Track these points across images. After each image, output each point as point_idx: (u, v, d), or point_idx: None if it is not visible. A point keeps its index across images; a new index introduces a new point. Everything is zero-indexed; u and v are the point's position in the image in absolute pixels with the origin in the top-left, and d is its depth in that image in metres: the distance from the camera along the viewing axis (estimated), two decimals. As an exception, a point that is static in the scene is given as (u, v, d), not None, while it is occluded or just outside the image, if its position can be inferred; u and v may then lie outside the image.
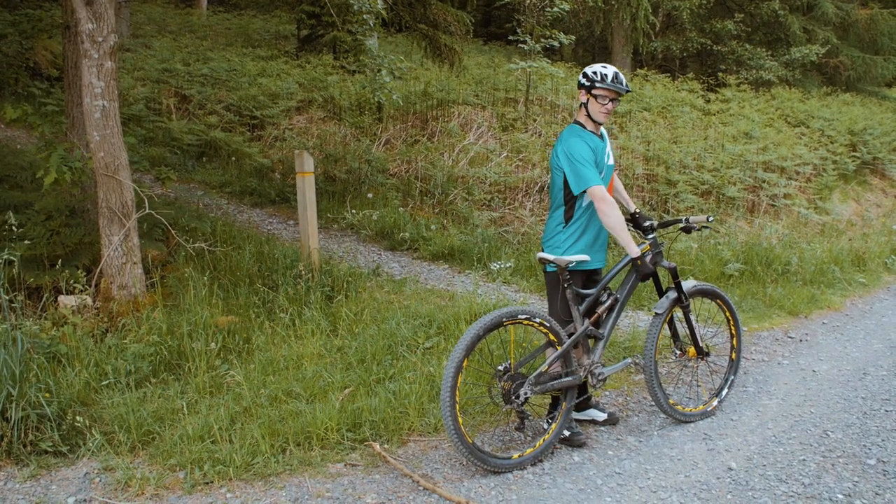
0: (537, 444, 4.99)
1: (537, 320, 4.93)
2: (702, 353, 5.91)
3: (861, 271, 11.05)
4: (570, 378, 5.10)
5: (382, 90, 11.23)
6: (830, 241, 12.06)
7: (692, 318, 5.76)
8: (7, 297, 5.28)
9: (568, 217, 5.23)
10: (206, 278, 6.89)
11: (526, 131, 13.59)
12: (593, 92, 5.11)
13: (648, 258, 5.34)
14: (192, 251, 7.33)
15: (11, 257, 5.50)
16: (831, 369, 7.05)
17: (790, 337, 8.04)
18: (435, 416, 5.41)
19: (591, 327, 5.20)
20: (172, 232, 7.43)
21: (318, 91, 15.09)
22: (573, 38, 15.66)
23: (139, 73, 15.30)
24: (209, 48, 18.14)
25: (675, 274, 5.61)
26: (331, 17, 11.98)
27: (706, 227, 5.77)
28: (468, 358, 4.68)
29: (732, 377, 6.13)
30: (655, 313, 5.58)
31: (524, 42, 13.70)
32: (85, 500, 4.35)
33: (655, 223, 5.56)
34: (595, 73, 5.10)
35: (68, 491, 4.44)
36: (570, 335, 5.12)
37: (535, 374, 4.93)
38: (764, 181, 13.67)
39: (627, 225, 5.50)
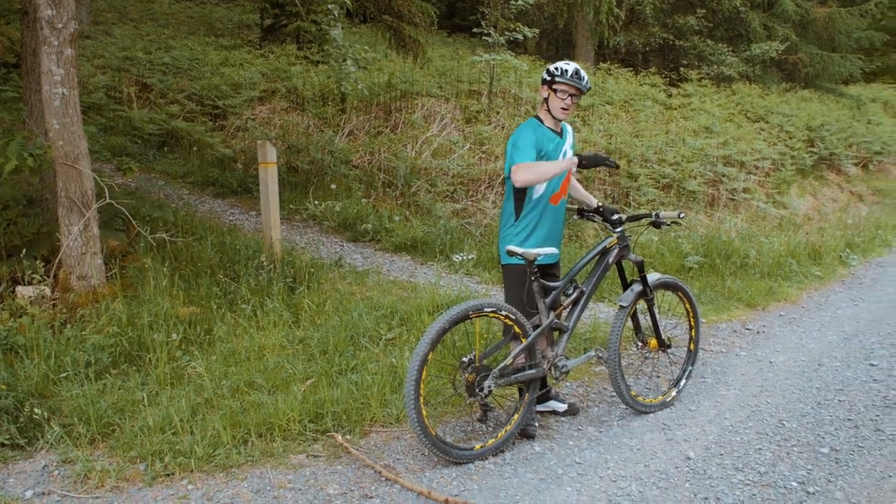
0: (499, 435, 5.01)
1: (503, 313, 4.93)
2: (663, 345, 5.98)
3: (817, 265, 11.23)
4: (533, 370, 5.12)
5: (347, 80, 11.20)
6: (788, 235, 12.23)
7: (656, 310, 5.83)
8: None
9: (518, 210, 5.24)
10: (166, 269, 6.84)
11: (489, 123, 13.63)
12: (553, 86, 5.12)
13: (615, 251, 5.52)
14: (152, 241, 7.27)
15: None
16: (787, 360, 7.17)
17: (748, 329, 8.16)
18: (397, 406, 5.43)
19: (555, 320, 5.23)
20: (133, 222, 7.36)
21: (282, 81, 14.99)
22: (537, 31, 15.71)
23: (99, 60, 15.11)
24: (171, 36, 17.95)
25: (640, 267, 5.65)
26: (295, 6, 11.94)
27: (676, 223, 5.84)
28: (433, 351, 4.68)
29: (690, 368, 6.21)
30: (620, 306, 5.62)
31: (488, 35, 13.72)
32: (43, 493, 4.31)
33: (624, 217, 5.59)
34: (556, 68, 5.11)
35: (26, 484, 4.40)
36: (535, 327, 5.13)
37: (499, 366, 4.95)
38: (724, 175, 13.84)
39: (596, 216, 5.68)
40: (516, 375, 5.05)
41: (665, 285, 5.91)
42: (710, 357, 7.20)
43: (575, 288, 5.36)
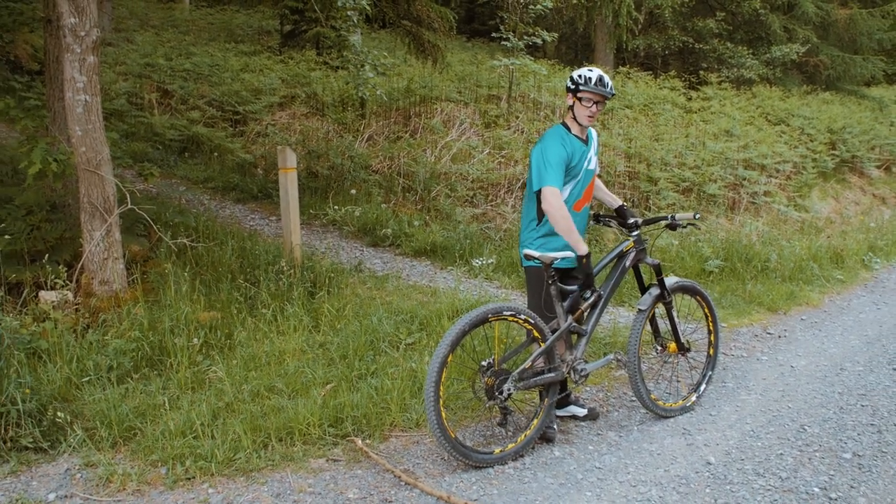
0: (519, 440, 5.01)
1: (522, 316, 4.94)
2: (683, 349, 5.98)
3: (839, 268, 11.15)
4: (552, 374, 5.12)
5: (366, 85, 11.22)
6: (809, 239, 12.15)
7: (674, 314, 5.84)
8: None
9: (540, 215, 5.20)
10: (187, 274, 6.88)
11: (508, 128, 13.62)
12: (578, 95, 5.12)
13: (632, 255, 5.55)
14: (173, 247, 7.32)
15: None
16: (809, 365, 7.12)
17: (769, 333, 8.11)
18: (416, 411, 5.44)
19: (574, 323, 5.23)
20: (154, 227, 7.41)
21: (301, 87, 15.06)
22: (556, 35, 15.70)
23: (121, 67, 15.22)
24: (192, 43, 18.07)
25: (658, 270, 5.64)
26: (314, 12, 11.97)
27: (692, 225, 5.87)
28: (452, 353, 4.69)
29: (710, 373, 6.19)
30: (639, 310, 5.63)
31: (507, 39, 13.72)
32: (66, 497, 4.35)
33: (640, 220, 5.58)
34: (580, 76, 5.11)
35: (49, 487, 4.44)
36: (553, 331, 5.12)
37: (518, 369, 4.96)
38: (744, 179, 13.76)
39: (612, 221, 5.77)
40: (535, 379, 5.05)
41: (683, 289, 5.91)
42: (730, 361, 7.16)
43: (593, 291, 5.31)
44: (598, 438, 5.39)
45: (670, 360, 6.36)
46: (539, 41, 14.10)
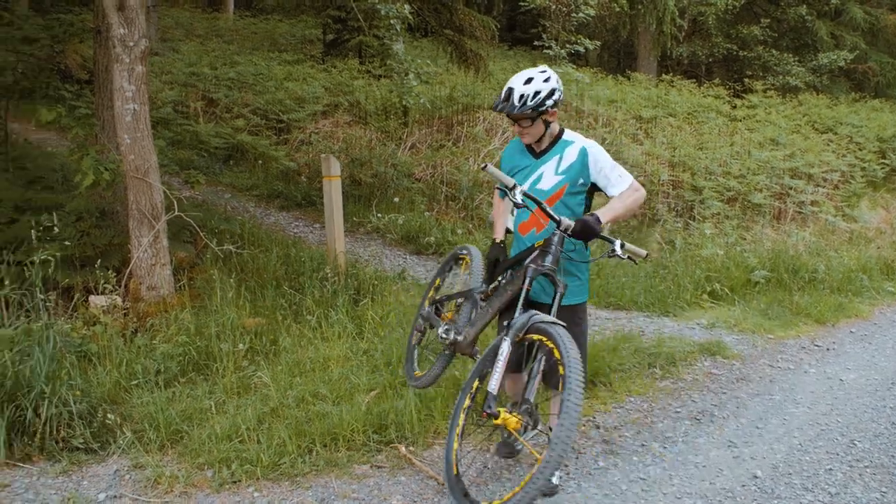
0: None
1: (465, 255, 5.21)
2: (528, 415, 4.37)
3: (890, 280, 10.95)
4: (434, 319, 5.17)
5: (409, 94, 11.27)
6: (858, 249, 11.95)
7: (500, 350, 4.15)
8: (42, 297, 5.35)
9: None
10: (233, 280, 6.94)
11: (551, 136, 13.56)
12: None
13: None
14: (219, 253, 7.38)
15: (49, 257, 5.57)
16: (859, 378, 7.00)
17: (817, 345, 7.99)
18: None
19: (479, 294, 4.76)
20: (201, 234, 7.49)
21: (344, 95, 15.16)
22: (598, 43, 15.67)
23: (167, 76, 15.44)
24: (236, 52, 18.28)
25: (525, 280, 4.30)
26: (357, 21, 12.06)
27: (631, 259, 4.49)
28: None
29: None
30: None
31: (549, 47, 13.71)
32: (116, 497, 4.40)
33: (567, 222, 4.26)
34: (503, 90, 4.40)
35: (99, 487, 4.50)
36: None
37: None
38: (791, 188, 13.60)
39: None
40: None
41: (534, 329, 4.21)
42: (777, 374, 7.05)
43: (502, 279, 4.59)
44: (642, 449, 5.33)
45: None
46: (581, 49, 14.09)
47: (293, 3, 23.72)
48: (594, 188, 4.54)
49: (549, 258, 4.21)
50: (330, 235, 8.02)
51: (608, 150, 12.21)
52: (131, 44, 6.39)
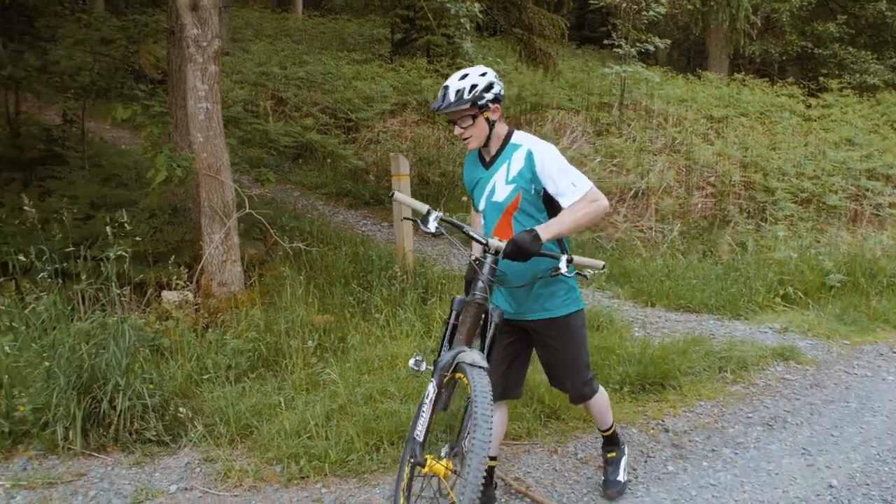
0: None
1: None
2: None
3: (972, 285, 10.59)
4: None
5: (478, 93, 11.23)
6: (941, 253, 11.57)
7: (426, 393, 3.71)
8: (117, 292, 5.45)
9: None
10: (302, 277, 6.98)
11: (620, 136, 13.45)
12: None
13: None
14: (289, 251, 7.45)
15: (124, 253, 5.68)
16: (941, 386, 6.78)
17: (895, 352, 7.76)
18: (527, 420, 5.39)
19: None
20: (271, 231, 7.56)
21: (412, 94, 15.21)
22: (668, 41, 15.47)
23: (237, 76, 15.66)
24: (305, 52, 18.47)
25: (451, 314, 3.85)
26: (425, 21, 12.10)
27: (580, 275, 4.25)
28: None
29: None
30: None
31: (619, 46, 13.58)
32: (186, 489, 4.46)
33: (496, 245, 3.79)
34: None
35: (170, 479, 4.57)
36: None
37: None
38: (868, 189, 13.23)
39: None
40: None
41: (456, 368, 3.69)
42: (854, 381, 6.85)
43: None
44: (713, 455, 5.23)
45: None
46: (651, 48, 13.92)
47: (362, 2, 23.86)
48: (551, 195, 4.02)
49: (479, 286, 3.71)
50: (398, 234, 8.04)
51: (678, 150, 11.94)
52: (204, 44, 6.47)
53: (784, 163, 13.02)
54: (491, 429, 3.29)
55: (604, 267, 4.22)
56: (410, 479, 3.86)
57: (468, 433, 3.37)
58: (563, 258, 3.75)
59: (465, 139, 3.94)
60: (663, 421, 5.68)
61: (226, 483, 4.53)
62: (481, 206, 4.07)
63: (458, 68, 13.04)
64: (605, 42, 14.75)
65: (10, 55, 10.99)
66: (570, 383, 4.28)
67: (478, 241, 3.82)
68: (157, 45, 14.42)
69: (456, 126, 3.92)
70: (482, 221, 4.16)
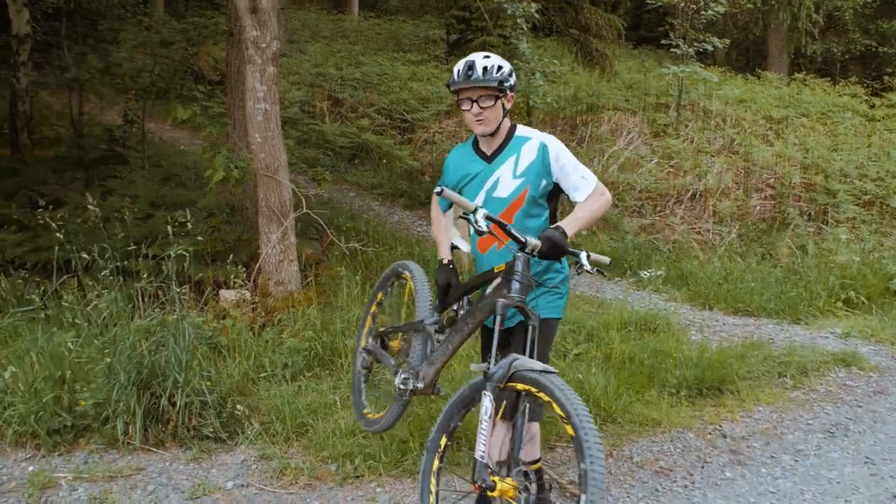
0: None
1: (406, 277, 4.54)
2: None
3: None
4: (389, 361, 4.50)
5: (536, 93, 11.23)
6: None
7: (483, 411, 3.39)
8: (177, 290, 5.52)
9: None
10: (358, 277, 7.01)
11: (678, 137, 13.31)
12: (457, 98, 3.83)
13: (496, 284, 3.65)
14: (345, 251, 7.49)
15: (185, 252, 5.76)
16: None
17: (962, 358, 7.55)
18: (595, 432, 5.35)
19: (433, 326, 4.12)
20: (327, 231, 7.61)
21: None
22: (727, 41, 15.26)
23: (294, 77, 15.81)
24: (361, 53, 18.58)
25: (494, 318, 3.53)
26: (481, 21, 12.08)
27: (600, 272, 3.73)
28: None
29: None
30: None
31: (676, 46, 13.44)
32: (242, 486, 4.51)
33: (533, 243, 3.53)
34: (452, 71, 3.79)
35: (227, 475, 4.62)
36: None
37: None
38: (933, 191, 12.92)
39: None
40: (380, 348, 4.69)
41: (521, 380, 3.38)
42: (920, 387, 6.69)
43: (461, 307, 4.04)
44: (772, 461, 5.15)
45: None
46: (710, 48, 13.75)
47: (417, 3, 23.96)
48: (557, 191, 3.91)
49: (516, 287, 3.47)
50: (454, 234, 8.02)
51: (737, 151, 11.82)
52: (263, 45, 6.53)
53: (846, 164, 12.76)
54: (601, 445, 3.08)
55: (609, 262, 3.87)
56: (437, 496, 3.68)
57: (581, 456, 3.05)
58: (583, 254, 3.58)
59: (480, 121, 3.71)
60: (721, 426, 5.61)
61: (281, 480, 4.57)
62: (478, 201, 3.79)
63: (517, 69, 13.07)
64: (663, 42, 14.61)
65: (73, 57, 11.23)
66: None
67: (517, 238, 3.52)
68: (216, 47, 14.65)
69: (474, 105, 3.68)
70: (448, 222, 4.21)
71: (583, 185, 3.79)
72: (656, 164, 12.38)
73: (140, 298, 5.86)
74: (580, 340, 6.69)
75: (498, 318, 3.49)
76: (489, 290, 3.70)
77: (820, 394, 6.33)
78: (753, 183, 12.25)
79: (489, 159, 3.85)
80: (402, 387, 3.95)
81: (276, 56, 6.68)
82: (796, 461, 5.16)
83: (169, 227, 5.96)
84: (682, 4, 13.95)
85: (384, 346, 4.63)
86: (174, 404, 4.88)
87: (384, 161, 13.07)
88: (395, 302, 5.02)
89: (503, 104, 3.78)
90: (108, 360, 4.97)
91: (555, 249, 3.53)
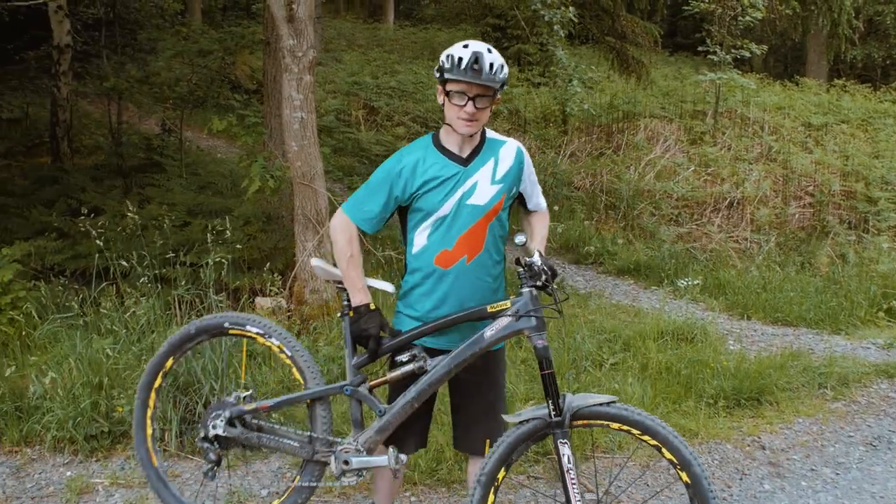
0: None
1: (275, 341, 3.63)
2: None
3: None
4: (291, 442, 3.60)
5: (573, 100, 11.20)
6: None
7: (564, 451, 3.24)
8: (215, 297, 5.55)
9: (405, 265, 3.57)
10: (395, 285, 7.00)
11: (714, 145, 13.22)
12: (447, 87, 3.27)
13: (500, 324, 3.24)
14: (381, 259, 7.49)
15: (223, 259, 5.79)
16: None
17: None
18: (619, 434, 5.29)
19: (363, 390, 3.44)
20: (363, 239, 7.61)
21: (503, 103, 15.22)
22: (765, 48, 15.13)
23: (330, 85, 15.89)
24: (396, 61, 18.65)
25: (544, 360, 3.24)
26: (516, 29, 12.09)
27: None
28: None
29: None
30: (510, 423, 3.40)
31: (713, 53, 13.35)
32: (276, 493, 4.50)
33: (544, 271, 3.27)
34: (448, 56, 3.24)
35: (262, 483, 4.63)
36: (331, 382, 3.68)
37: (239, 406, 3.64)
38: (978, 199, 12.71)
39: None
40: (261, 436, 3.61)
41: (606, 417, 3.22)
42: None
43: (413, 357, 3.33)
44: (812, 474, 5.07)
45: None
46: (747, 54, 13.64)
47: (452, 12, 24.01)
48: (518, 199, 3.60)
49: (535, 324, 3.23)
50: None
51: (775, 159, 11.73)
52: (300, 54, 6.56)
53: (888, 171, 12.59)
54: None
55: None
56: None
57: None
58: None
59: (471, 121, 3.25)
60: (759, 437, 5.53)
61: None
62: (447, 208, 3.31)
63: (552, 78, 13.06)
64: (699, 49, 14.52)
65: (113, 67, 11.39)
66: (493, 428, 3.55)
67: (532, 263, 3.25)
68: (253, 56, 14.78)
69: (469, 103, 3.21)
70: (347, 236, 3.41)
71: (541, 198, 3.66)
72: (693, 172, 12.30)
73: (177, 306, 5.89)
74: (616, 350, 6.64)
75: (546, 361, 3.21)
76: (496, 331, 3.25)
77: (861, 405, 6.22)
78: (792, 191, 12.13)
79: (465, 162, 3.37)
80: (344, 467, 3.43)
81: (313, 65, 6.70)
82: (837, 474, 5.07)
83: (209, 235, 5.99)
84: (719, 11, 13.85)
85: (244, 424, 3.63)
86: (210, 412, 4.90)
87: (419, 169, 13.08)
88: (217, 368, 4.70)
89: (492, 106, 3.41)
90: (146, 367, 5.00)
91: (552, 278, 3.30)
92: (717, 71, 13.40)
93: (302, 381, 3.58)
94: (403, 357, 3.32)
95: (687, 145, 13.25)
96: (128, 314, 5.73)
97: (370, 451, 3.42)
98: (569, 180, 12.26)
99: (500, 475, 3.30)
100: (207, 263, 5.69)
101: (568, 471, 3.22)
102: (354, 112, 14.71)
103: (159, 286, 5.95)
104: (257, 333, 3.60)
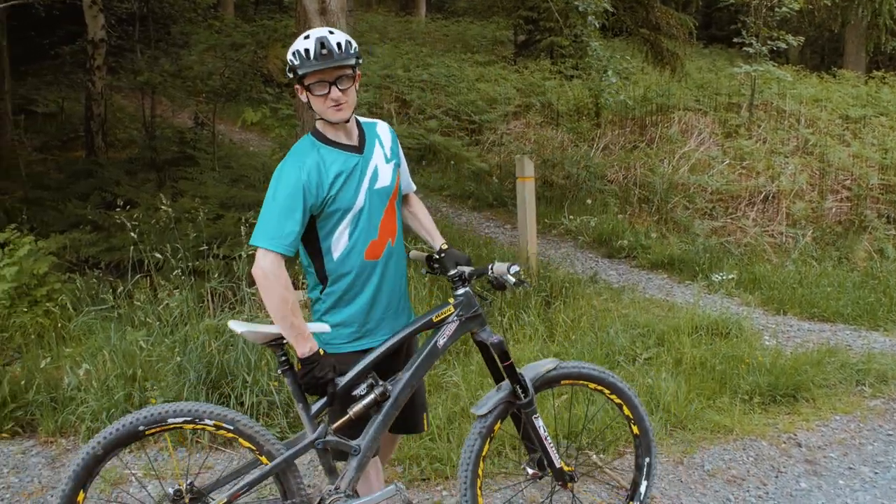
0: None
1: (209, 423, 3.17)
2: (560, 477, 3.73)
3: None
4: None
5: (609, 90, 11.13)
6: None
7: (538, 423, 3.60)
8: (247, 290, 5.57)
9: (322, 278, 3.34)
10: (426, 279, 7.01)
11: (750, 138, 13.06)
12: (305, 83, 3.15)
13: (451, 328, 3.42)
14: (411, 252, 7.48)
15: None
16: None
17: None
18: (654, 430, 5.25)
19: (333, 437, 3.23)
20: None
21: (536, 96, 15.17)
22: (801, 39, 14.93)
23: (362, 78, 15.83)
24: (428, 54, 18.62)
25: (502, 353, 3.52)
26: (549, 22, 12.04)
27: (521, 284, 3.62)
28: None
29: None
30: (477, 415, 3.55)
31: (749, 44, 13.19)
32: (310, 486, 4.50)
33: (468, 271, 3.51)
34: (295, 53, 3.13)
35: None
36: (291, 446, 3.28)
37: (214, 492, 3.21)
38: None
39: (430, 269, 3.77)
40: None
41: (566, 378, 3.74)
42: None
43: (372, 385, 3.22)
44: (850, 473, 4.98)
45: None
46: (783, 46, 13.47)
47: (484, 4, 23.94)
48: None
49: (482, 321, 3.55)
50: (522, 237, 8.00)
51: (811, 152, 11.60)
52: (332, 47, 6.55)
53: (927, 165, 12.41)
54: None
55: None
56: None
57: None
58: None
59: (340, 106, 3.14)
60: (796, 435, 5.45)
61: (348, 482, 4.56)
62: (361, 200, 3.24)
63: (586, 69, 12.96)
64: (735, 41, 14.37)
65: (146, 61, 11.47)
66: (426, 410, 3.76)
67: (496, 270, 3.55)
68: (285, 50, 14.80)
69: (332, 88, 3.11)
70: (283, 280, 3.10)
71: (410, 177, 3.74)
72: (728, 165, 12.17)
73: (210, 298, 5.92)
74: (650, 345, 6.58)
75: (504, 354, 3.52)
76: (448, 338, 3.40)
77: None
78: (829, 184, 11.98)
79: (359, 150, 3.31)
80: None
81: (345, 58, 6.69)
82: (876, 473, 4.99)
83: (241, 228, 6.01)
84: (755, 2, 13.69)
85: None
86: (242, 404, 4.92)
87: (452, 162, 13.07)
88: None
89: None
90: (179, 358, 5.03)
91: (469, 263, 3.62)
92: (752, 63, 13.24)
93: (255, 449, 3.20)
94: (361, 390, 3.19)
95: (721, 138, 13.12)
96: (161, 306, 5.76)
97: (358, 492, 3.30)
98: (602, 174, 12.19)
99: (481, 468, 3.54)
100: (240, 256, 5.70)
101: (545, 437, 3.58)
102: (387, 105, 14.72)
103: (192, 279, 5.98)
104: (183, 422, 3.12)
